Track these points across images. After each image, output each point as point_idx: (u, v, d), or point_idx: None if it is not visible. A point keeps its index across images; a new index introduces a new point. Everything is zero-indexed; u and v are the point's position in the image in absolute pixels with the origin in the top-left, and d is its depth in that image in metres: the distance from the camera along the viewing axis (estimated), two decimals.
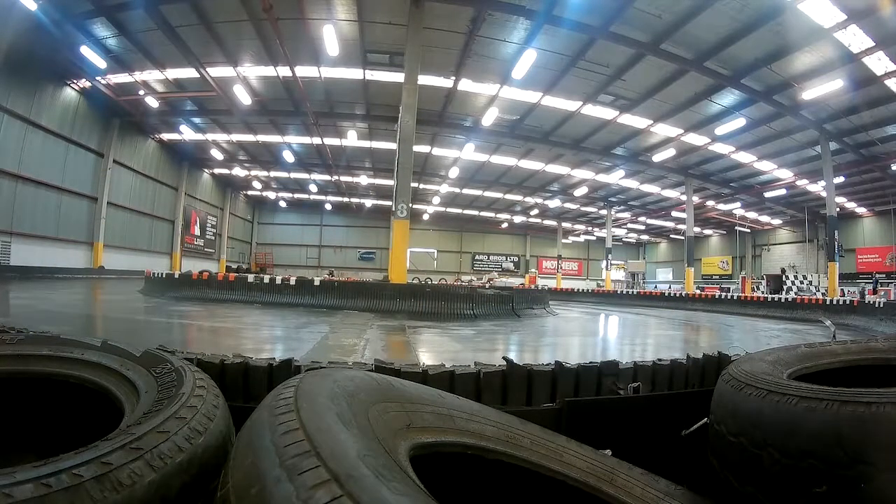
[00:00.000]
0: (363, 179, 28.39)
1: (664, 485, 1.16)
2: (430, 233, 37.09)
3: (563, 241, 37.88)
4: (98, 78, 15.93)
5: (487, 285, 18.27)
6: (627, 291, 24.07)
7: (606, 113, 16.55)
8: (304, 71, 14.81)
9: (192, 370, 0.98)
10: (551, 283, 31.59)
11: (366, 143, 22.07)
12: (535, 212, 34.18)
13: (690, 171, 22.31)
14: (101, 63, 14.32)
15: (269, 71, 15.16)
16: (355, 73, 15.08)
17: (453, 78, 14.70)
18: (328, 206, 36.88)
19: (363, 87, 16.07)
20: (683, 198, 24.10)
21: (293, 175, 29.01)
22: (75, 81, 16.56)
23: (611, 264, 31.25)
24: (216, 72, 15.09)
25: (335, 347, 4.52)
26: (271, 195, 35.45)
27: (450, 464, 0.89)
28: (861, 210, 26.34)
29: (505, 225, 39.25)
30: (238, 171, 28.75)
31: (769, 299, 15.25)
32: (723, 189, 24.23)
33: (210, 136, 22.57)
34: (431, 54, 12.90)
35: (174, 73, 15.57)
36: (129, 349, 1.11)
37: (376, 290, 9.81)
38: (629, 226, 36.67)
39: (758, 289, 27.47)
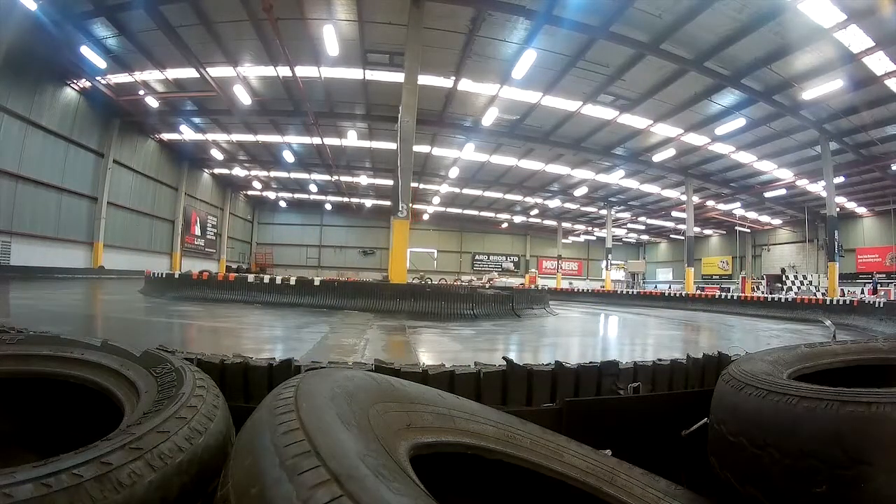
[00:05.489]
0: (363, 179, 28.38)
1: (664, 485, 1.16)
2: (430, 233, 37.08)
3: (563, 241, 37.87)
4: (98, 78, 15.93)
5: (487, 285, 18.27)
6: (627, 291, 24.07)
7: (606, 113, 16.54)
8: (304, 71, 14.80)
9: (192, 370, 0.98)
10: (551, 284, 31.59)
11: (366, 143, 22.06)
12: (535, 212, 34.18)
13: (690, 171, 22.31)
14: (101, 63, 14.32)
15: (269, 71, 15.16)
16: (355, 73, 15.07)
17: (453, 78, 14.69)
18: (328, 206, 36.88)
19: (363, 87, 16.07)
20: (683, 198, 24.09)
21: (293, 175, 29.01)
22: (75, 81, 16.56)
23: (611, 264, 31.24)
24: (216, 72, 15.08)
25: (335, 347, 4.52)
26: (271, 195, 35.44)
27: (450, 464, 0.89)
28: (861, 210, 26.33)
29: (505, 225, 39.26)
30: (238, 171, 28.75)
31: (769, 299, 15.25)
32: (723, 189, 24.23)
33: (210, 136, 22.56)
34: (431, 54, 12.89)
35: (174, 73, 15.56)
36: (129, 349, 1.11)
37: (376, 290, 9.81)
38: (629, 226, 36.67)
39: (758, 289, 27.46)
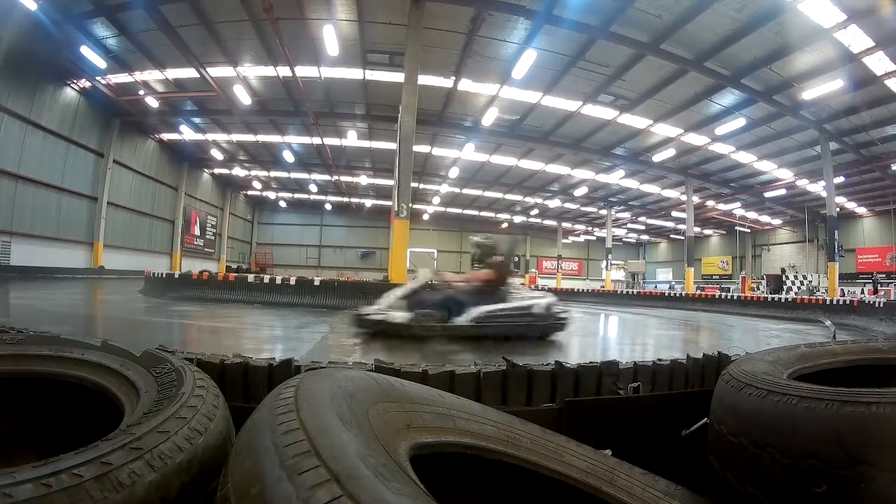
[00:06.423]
0: (363, 179, 28.38)
1: (664, 485, 1.16)
2: (430, 233, 37.05)
3: (563, 241, 37.87)
4: (98, 78, 15.92)
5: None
6: (627, 291, 24.06)
7: (606, 113, 16.53)
8: (304, 71, 14.79)
9: (192, 370, 0.98)
10: (551, 283, 31.59)
11: (366, 143, 22.06)
12: (535, 212, 34.18)
13: (690, 171, 22.30)
14: (101, 63, 14.31)
15: (269, 71, 15.15)
16: (355, 73, 15.07)
17: (453, 78, 14.69)
18: (328, 206, 36.87)
19: (363, 87, 16.06)
20: (683, 198, 24.09)
21: (293, 175, 29.00)
22: (75, 81, 16.55)
23: (611, 264, 31.24)
24: (216, 72, 15.08)
25: (335, 347, 4.52)
26: (271, 195, 35.44)
27: (450, 464, 0.89)
28: (861, 210, 26.33)
29: (505, 225, 39.23)
30: (238, 171, 28.75)
31: (769, 299, 15.24)
32: (723, 189, 24.22)
33: (210, 136, 22.56)
34: (431, 54, 12.89)
35: (174, 73, 15.55)
36: (129, 349, 1.11)
37: (376, 290, 9.80)
38: (629, 226, 36.66)
39: (757, 289, 27.45)
